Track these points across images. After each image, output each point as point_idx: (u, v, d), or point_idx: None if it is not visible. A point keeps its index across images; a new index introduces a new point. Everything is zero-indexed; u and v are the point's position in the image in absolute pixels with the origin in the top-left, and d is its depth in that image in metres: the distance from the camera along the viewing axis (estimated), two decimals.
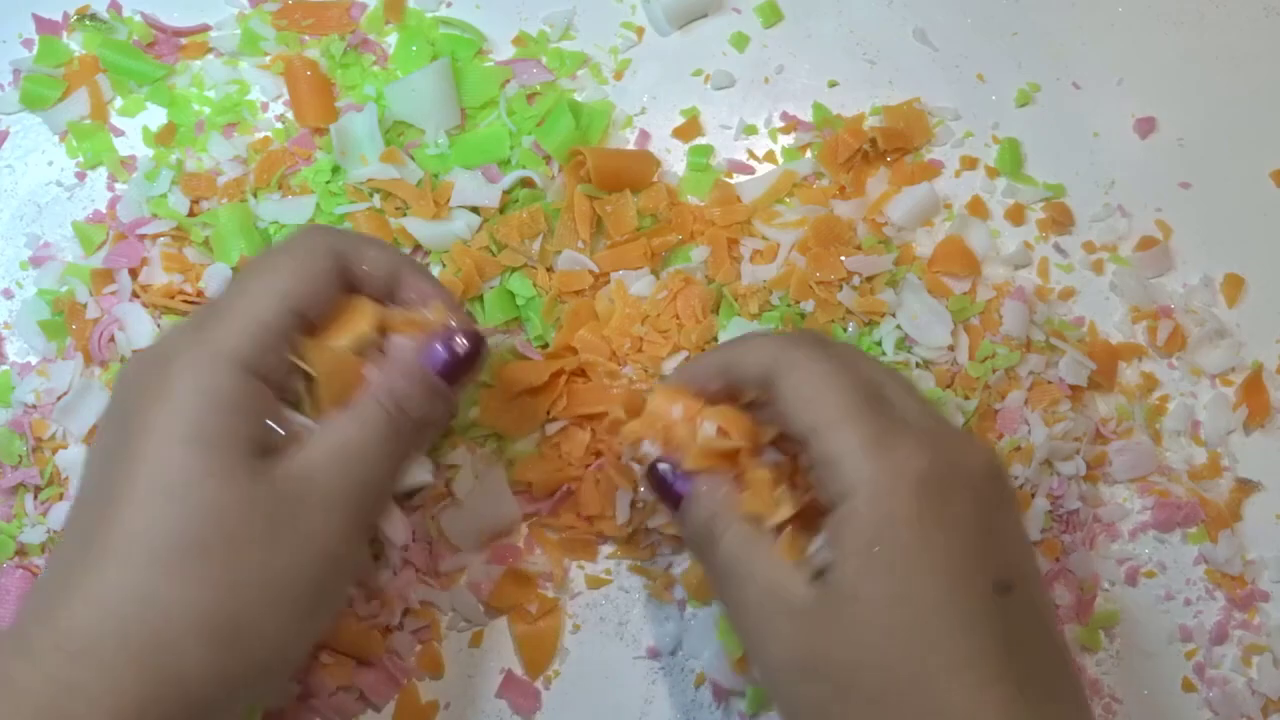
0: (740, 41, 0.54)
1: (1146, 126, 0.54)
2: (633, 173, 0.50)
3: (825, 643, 0.35)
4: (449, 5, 0.54)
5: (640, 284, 0.49)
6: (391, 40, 0.53)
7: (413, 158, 0.50)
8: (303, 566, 0.35)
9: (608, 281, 0.49)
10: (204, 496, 0.33)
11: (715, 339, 0.48)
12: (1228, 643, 0.48)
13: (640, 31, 0.54)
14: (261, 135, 0.51)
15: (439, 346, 0.38)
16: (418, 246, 0.49)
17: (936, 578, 0.35)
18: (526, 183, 0.50)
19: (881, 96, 0.54)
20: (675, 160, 0.52)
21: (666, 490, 0.40)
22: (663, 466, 0.40)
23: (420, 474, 0.44)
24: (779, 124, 0.53)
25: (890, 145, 0.52)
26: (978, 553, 0.35)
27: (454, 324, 0.39)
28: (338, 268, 0.38)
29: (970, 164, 0.53)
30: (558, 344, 0.48)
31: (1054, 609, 0.39)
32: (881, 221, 0.51)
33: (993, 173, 0.53)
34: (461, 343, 0.39)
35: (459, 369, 0.39)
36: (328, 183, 0.49)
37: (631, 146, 0.52)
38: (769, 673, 0.37)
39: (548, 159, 0.50)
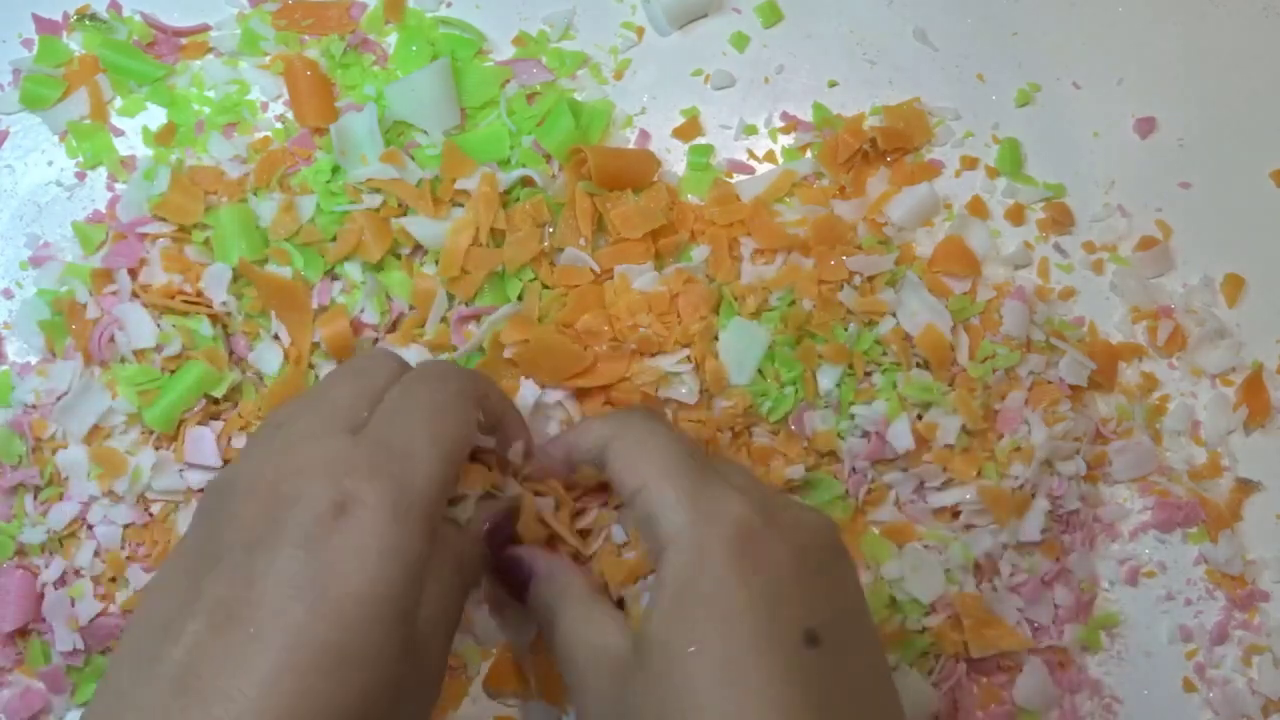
0: (740, 41, 0.54)
1: (1146, 126, 0.54)
2: (633, 172, 0.50)
3: (637, 695, 0.35)
4: (449, 5, 0.54)
5: (643, 279, 0.49)
6: (391, 40, 0.53)
7: (413, 158, 0.50)
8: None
9: (610, 278, 0.49)
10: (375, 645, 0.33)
11: (715, 338, 0.48)
12: (1228, 643, 0.48)
13: (640, 31, 0.54)
14: (261, 135, 0.51)
15: (497, 525, 0.41)
16: (418, 246, 0.49)
17: (739, 627, 0.35)
18: (527, 182, 0.50)
19: (881, 96, 0.54)
20: (675, 160, 0.52)
21: (516, 571, 0.42)
22: (514, 550, 0.42)
23: None
24: (779, 124, 0.53)
25: (890, 145, 0.52)
26: (787, 604, 0.35)
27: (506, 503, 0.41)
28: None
29: (970, 164, 0.53)
30: (559, 323, 0.48)
31: (885, 675, 0.38)
32: (881, 221, 0.51)
33: (993, 173, 0.53)
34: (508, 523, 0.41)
35: (502, 546, 0.42)
36: (328, 182, 0.49)
37: (631, 146, 0.52)
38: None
39: (548, 158, 0.50)
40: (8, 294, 0.50)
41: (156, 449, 0.46)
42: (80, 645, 0.45)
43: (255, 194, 0.49)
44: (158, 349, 0.47)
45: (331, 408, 0.37)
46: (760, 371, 0.48)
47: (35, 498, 0.46)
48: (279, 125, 0.51)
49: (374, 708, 0.33)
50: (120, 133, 0.52)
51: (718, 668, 0.34)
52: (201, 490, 0.46)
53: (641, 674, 0.35)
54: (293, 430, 0.36)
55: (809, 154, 0.52)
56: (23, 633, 0.45)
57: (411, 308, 0.48)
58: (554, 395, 0.47)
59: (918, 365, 0.48)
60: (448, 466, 0.37)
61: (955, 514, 0.48)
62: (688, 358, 0.47)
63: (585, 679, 0.37)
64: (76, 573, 0.45)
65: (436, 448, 0.36)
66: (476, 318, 0.48)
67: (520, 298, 0.49)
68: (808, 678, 0.34)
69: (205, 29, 0.53)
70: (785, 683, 0.34)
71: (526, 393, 0.47)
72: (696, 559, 0.36)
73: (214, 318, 0.47)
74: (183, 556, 0.36)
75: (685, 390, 0.47)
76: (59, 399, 0.46)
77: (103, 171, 0.51)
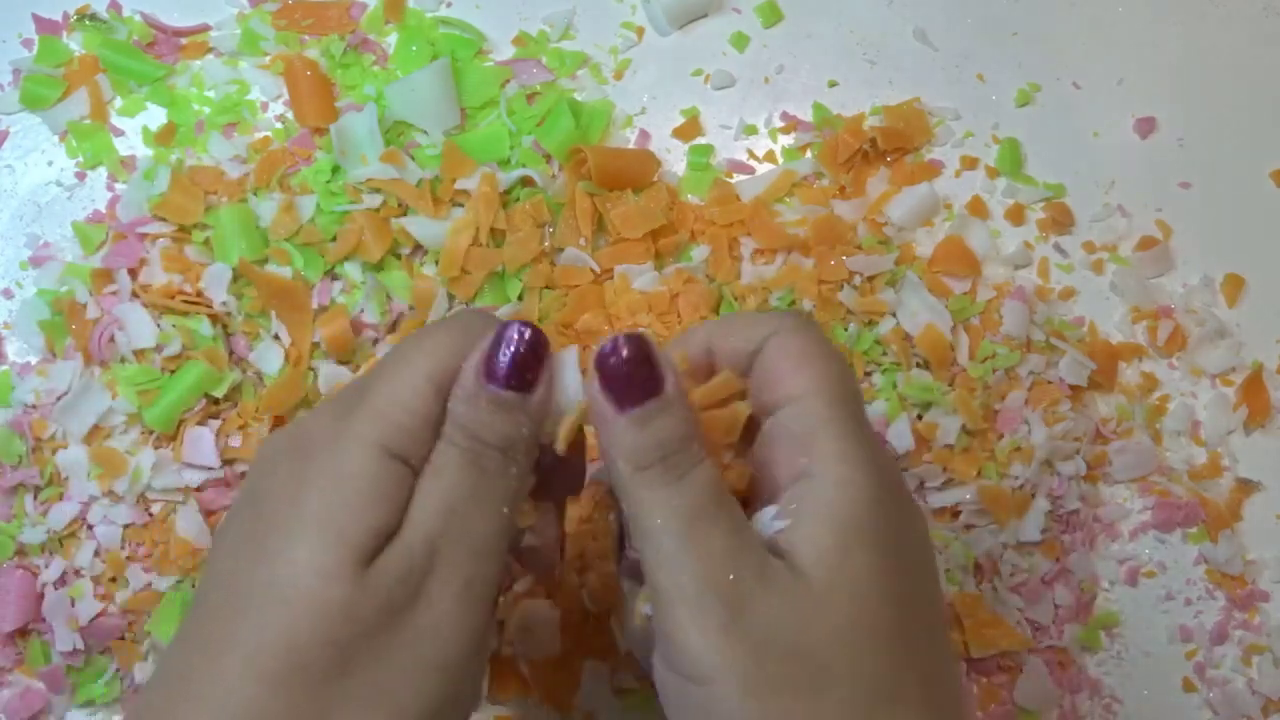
0: (740, 41, 0.54)
1: (1146, 126, 0.54)
2: (633, 172, 0.50)
3: (776, 627, 0.30)
4: (449, 5, 0.54)
5: (643, 279, 0.49)
6: (391, 40, 0.53)
7: (413, 158, 0.50)
8: (416, 678, 0.31)
9: (610, 278, 0.49)
10: (315, 605, 0.30)
11: None
12: (1228, 643, 0.48)
13: (640, 31, 0.54)
14: (261, 135, 0.51)
15: (491, 353, 0.33)
16: (418, 246, 0.49)
17: (893, 583, 0.31)
18: (527, 182, 0.50)
19: (881, 96, 0.54)
20: (675, 160, 0.52)
21: (627, 374, 0.32)
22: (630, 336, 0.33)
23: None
24: (779, 124, 0.53)
25: (890, 145, 0.52)
26: (924, 582, 0.33)
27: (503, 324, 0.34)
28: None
29: (970, 164, 0.53)
30: (558, 324, 0.48)
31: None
32: (881, 221, 0.51)
33: (993, 173, 0.53)
34: (512, 336, 0.33)
35: (520, 369, 0.33)
36: (328, 182, 0.49)
37: (631, 146, 0.52)
38: (693, 662, 0.31)
39: (548, 158, 0.50)
40: (8, 294, 0.50)
41: (156, 449, 0.46)
42: (80, 645, 0.45)
43: (255, 194, 0.49)
44: (158, 349, 0.47)
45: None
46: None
47: (35, 498, 0.46)
48: (279, 125, 0.51)
49: (312, 645, 0.30)
50: (120, 133, 0.52)
51: (879, 628, 0.31)
52: (199, 489, 0.46)
53: (778, 606, 0.30)
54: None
55: (809, 154, 0.52)
56: (23, 633, 0.45)
57: (411, 308, 0.48)
58: None
59: (918, 365, 0.48)
60: (402, 394, 0.33)
61: (955, 514, 0.48)
62: None
63: (698, 593, 0.31)
64: (76, 573, 0.45)
65: (388, 382, 0.33)
66: None
67: (520, 298, 0.49)
68: (928, 654, 0.32)
69: (205, 29, 0.53)
70: (917, 653, 0.31)
71: None
72: (855, 508, 0.31)
73: (214, 318, 0.47)
74: (230, 531, 0.34)
75: None
76: (59, 399, 0.46)
77: (103, 171, 0.51)
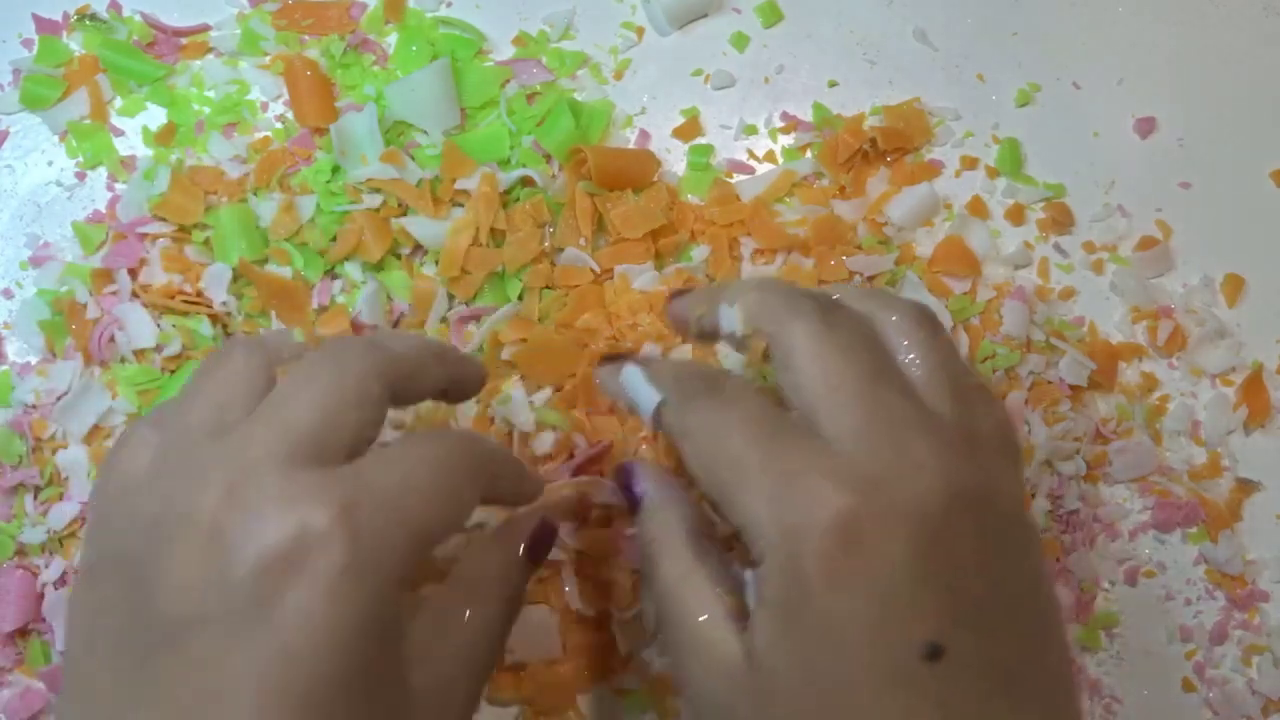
0: (740, 41, 0.54)
1: (1146, 126, 0.54)
2: (633, 172, 0.50)
3: (747, 711, 0.31)
4: (449, 5, 0.54)
5: (643, 279, 0.49)
6: (391, 40, 0.53)
7: (413, 158, 0.50)
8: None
9: (610, 278, 0.49)
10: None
11: None
12: (1228, 643, 0.48)
13: (640, 31, 0.54)
14: (261, 135, 0.51)
15: (537, 536, 0.38)
16: (418, 246, 0.49)
17: (845, 651, 0.30)
18: (527, 182, 0.50)
19: (881, 96, 0.54)
20: (675, 160, 0.52)
21: (628, 491, 0.38)
22: (629, 464, 0.39)
23: None
24: (779, 124, 0.53)
25: (890, 145, 0.52)
26: (899, 614, 0.30)
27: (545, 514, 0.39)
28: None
29: (970, 164, 0.53)
30: (558, 323, 0.48)
31: (1044, 666, 0.32)
32: (881, 221, 0.51)
33: (993, 173, 0.53)
34: (550, 530, 0.39)
35: (543, 552, 0.39)
36: (328, 182, 0.49)
37: (631, 146, 0.52)
38: (697, 716, 0.33)
39: (548, 158, 0.50)
40: (8, 294, 0.50)
41: None
42: None
43: (255, 194, 0.49)
44: (158, 349, 0.47)
45: (288, 416, 0.31)
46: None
47: (35, 498, 0.46)
48: (279, 125, 0.51)
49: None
50: (120, 133, 0.51)
51: (829, 703, 0.30)
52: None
53: (754, 694, 0.31)
54: (247, 444, 0.30)
55: (809, 154, 0.52)
56: (23, 633, 0.45)
57: (411, 307, 0.48)
58: (541, 396, 0.47)
59: None
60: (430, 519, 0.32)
61: None
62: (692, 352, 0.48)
63: (689, 666, 0.33)
64: (77, 573, 0.45)
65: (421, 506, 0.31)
66: (476, 318, 0.48)
67: (520, 298, 0.49)
68: (929, 698, 0.30)
69: (205, 29, 0.53)
70: (913, 689, 0.29)
71: (516, 398, 0.47)
72: (793, 575, 0.30)
73: (214, 318, 0.47)
74: (111, 617, 0.30)
75: None
76: (59, 399, 0.46)
77: (103, 171, 0.51)
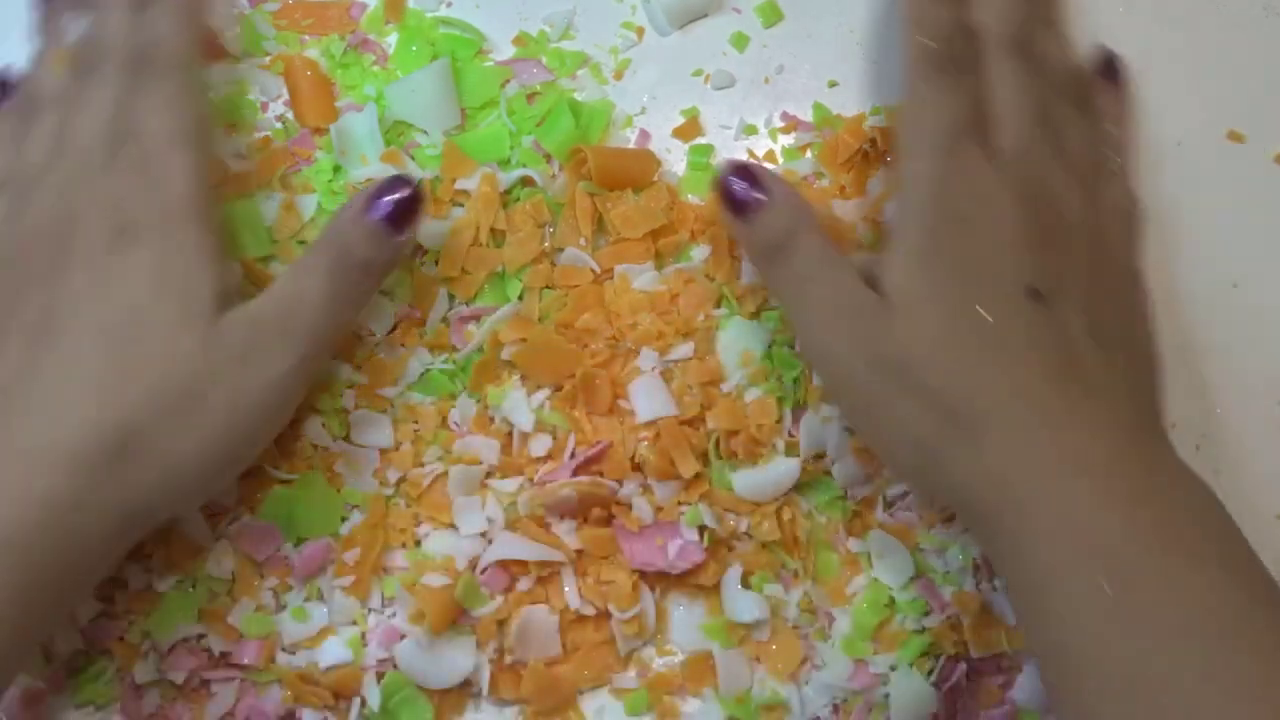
0: (740, 41, 0.54)
1: (1146, 127, 0.54)
2: (634, 172, 0.50)
3: (880, 344, 0.39)
4: (449, 5, 0.54)
5: (644, 278, 0.49)
6: (391, 40, 0.53)
7: (413, 157, 0.50)
8: (260, 400, 0.41)
9: (610, 278, 0.49)
10: (169, 342, 0.39)
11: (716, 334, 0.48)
12: None
13: (640, 31, 0.54)
14: (262, 135, 0.51)
15: (381, 195, 0.42)
16: (418, 246, 0.49)
17: (969, 283, 0.39)
18: (527, 182, 0.50)
19: (882, 96, 0.54)
20: (675, 160, 0.52)
21: (739, 195, 0.43)
22: (744, 164, 0.43)
23: None
24: (779, 124, 0.53)
25: (890, 145, 0.52)
26: (1010, 261, 0.40)
27: (398, 175, 0.43)
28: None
29: None
30: (558, 324, 0.48)
31: (1133, 337, 0.43)
32: (882, 221, 0.51)
33: None
34: (404, 190, 0.42)
35: (402, 215, 0.42)
36: (329, 182, 0.49)
37: (631, 146, 0.52)
38: (836, 374, 0.41)
39: (548, 158, 0.50)
40: None
41: None
42: (80, 645, 0.45)
43: (256, 193, 0.49)
44: None
45: (70, 139, 0.43)
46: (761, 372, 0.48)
47: None
48: (279, 125, 0.51)
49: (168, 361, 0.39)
50: None
51: (949, 318, 0.39)
52: None
53: (888, 323, 0.39)
54: (58, 167, 0.42)
55: (809, 154, 0.52)
56: None
57: (411, 307, 0.48)
58: (540, 397, 0.47)
59: None
60: (200, 151, 0.43)
61: (952, 516, 0.48)
62: (693, 352, 0.48)
63: (826, 323, 0.41)
64: None
65: (189, 149, 0.42)
66: (477, 318, 0.48)
67: (520, 298, 0.49)
68: (1028, 324, 0.39)
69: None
70: (1007, 330, 0.39)
71: (515, 398, 0.47)
72: (931, 220, 0.40)
73: None
74: None
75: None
76: None
77: None
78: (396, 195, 0.42)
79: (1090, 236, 0.42)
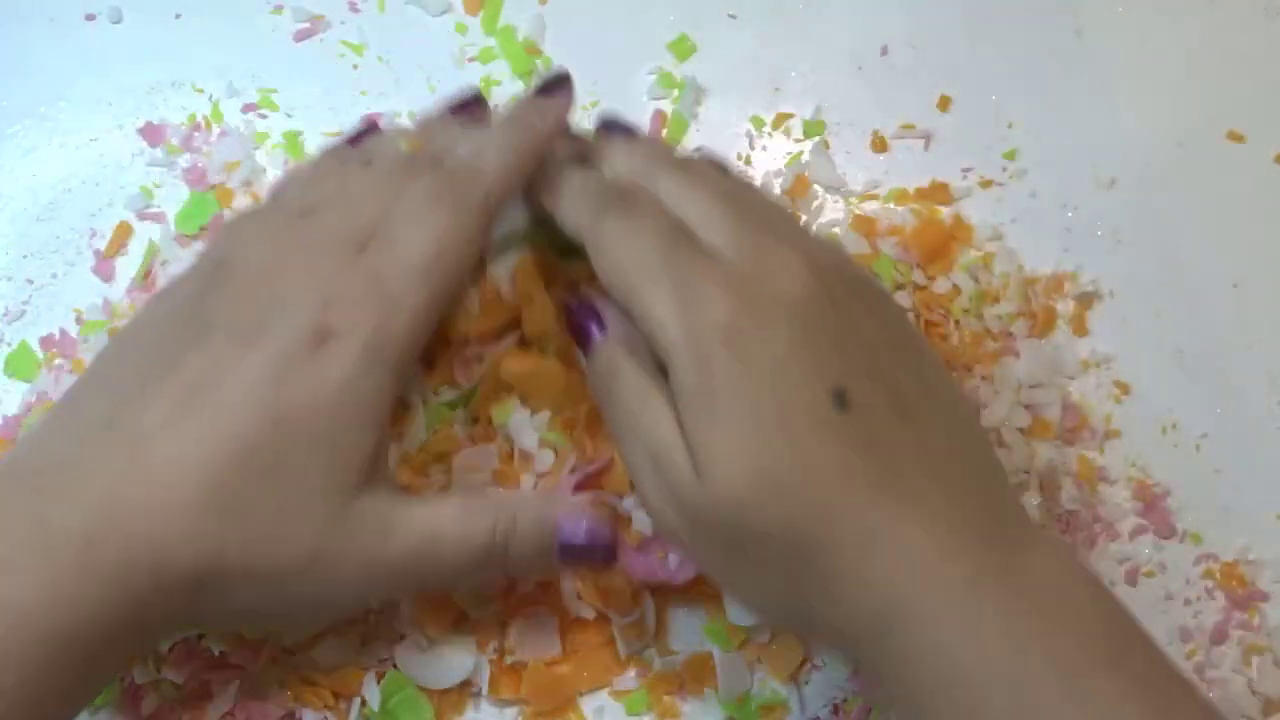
0: (740, 42, 0.54)
1: (1146, 127, 0.54)
2: None
3: (695, 508, 0.35)
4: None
5: None
6: None
7: None
8: (340, 588, 0.38)
9: None
10: (303, 495, 0.36)
11: None
12: (1228, 643, 0.48)
13: None
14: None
15: (577, 530, 0.40)
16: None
17: (761, 417, 0.34)
18: None
19: (881, 96, 0.54)
20: None
21: (581, 329, 0.40)
22: (580, 302, 0.40)
23: None
24: (779, 124, 0.53)
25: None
26: (804, 373, 0.34)
27: (596, 518, 0.41)
28: None
29: (985, 185, 0.53)
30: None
31: (958, 426, 0.36)
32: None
33: (987, 184, 0.53)
34: (600, 537, 0.41)
35: (580, 557, 0.41)
36: None
37: None
38: (665, 532, 0.38)
39: None
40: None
41: None
42: None
43: None
44: None
45: (344, 214, 0.39)
46: None
47: None
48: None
49: (292, 514, 0.36)
50: None
51: (756, 464, 0.34)
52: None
53: (692, 487, 0.35)
54: (310, 228, 0.39)
55: (808, 154, 0.52)
56: None
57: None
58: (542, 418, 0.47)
59: None
60: (433, 310, 0.39)
61: None
62: None
63: (645, 481, 0.37)
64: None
65: (430, 286, 0.38)
66: (480, 358, 0.46)
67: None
68: (844, 438, 0.34)
69: None
70: (818, 445, 0.33)
71: (518, 419, 0.46)
72: (702, 367, 0.35)
73: None
74: (174, 313, 0.38)
75: None
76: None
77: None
78: (589, 543, 0.40)
79: (862, 308, 0.37)
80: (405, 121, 0.51)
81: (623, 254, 0.37)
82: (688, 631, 0.47)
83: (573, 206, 0.40)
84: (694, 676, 0.46)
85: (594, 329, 0.39)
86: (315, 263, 0.38)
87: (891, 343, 0.36)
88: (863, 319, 0.36)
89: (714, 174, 0.41)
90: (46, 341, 0.49)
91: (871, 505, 0.33)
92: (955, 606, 0.32)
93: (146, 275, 0.50)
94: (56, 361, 0.48)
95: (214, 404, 0.35)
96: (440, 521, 0.38)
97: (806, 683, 0.46)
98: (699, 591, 0.46)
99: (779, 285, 0.35)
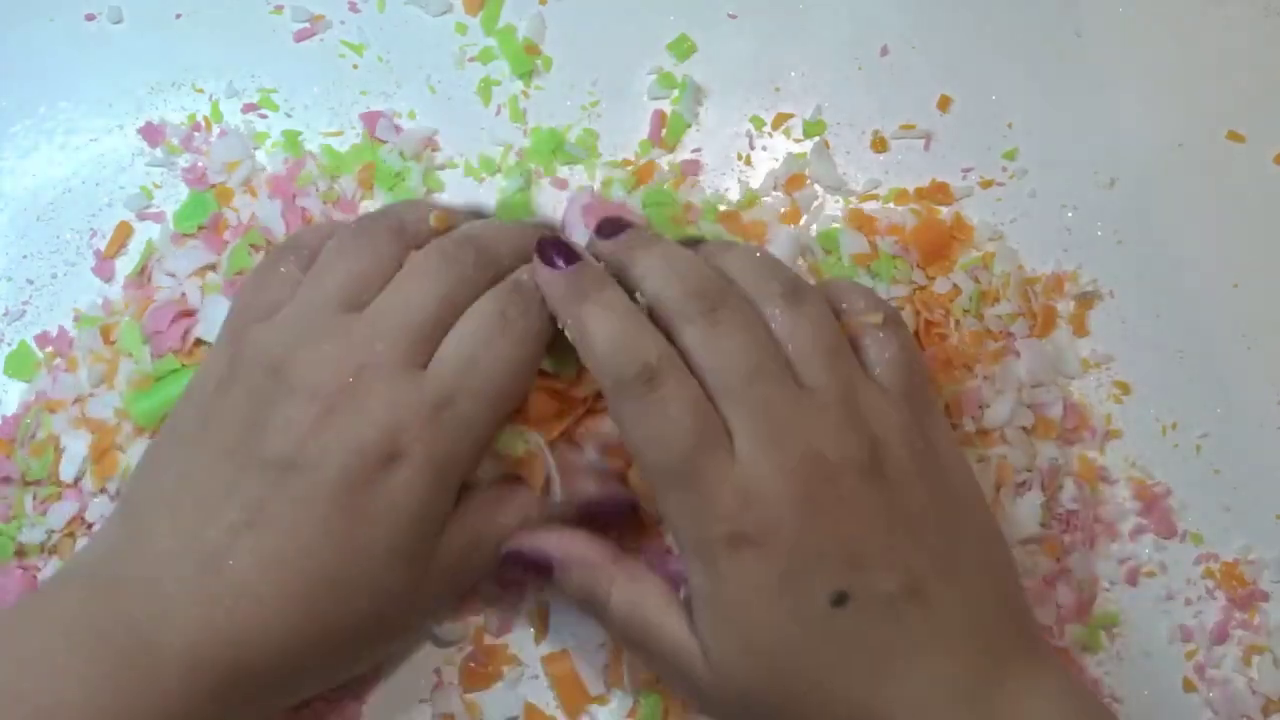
0: (740, 42, 0.54)
1: (1146, 127, 0.54)
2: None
3: (710, 693, 0.37)
4: None
5: None
6: None
7: None
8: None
9: None
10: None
11: None
12: (1228, 643, 0.48)
13: None
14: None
15: (599, 500, 0.42)
16: None
17: (764, 622, 0.36)
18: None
19: (882, 97, 0.54)
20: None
21: (533, 567, 0.40)
22: (511, 548, 0.40)
23: None
24: (779, 124, 0.53)
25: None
26: (802, 579, 0.35)
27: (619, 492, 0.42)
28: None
29: (986, 184, 0.53)
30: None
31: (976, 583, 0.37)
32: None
33: (987, 183, 0.53)
34: (620, 503, 0.42)
35: (600, 516, 0.42)
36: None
37: None
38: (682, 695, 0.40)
39: None
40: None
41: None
42: None
43: None
44: None
45: (408, 320, 0.38)
46: None
47: (34, 497, 0.46)
48: None
49: (374, 627, 0.38)
50: None
51: (753, 656, 0.36)
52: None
53: (717, 689, 0.37)
54: (367, 332, 0.38)
55: (809, 154, 0.52)
56: None
57: None
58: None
59: None
60: (497, 425, 0.39)
61: None
62: None
63: (667, 675, 0.40)
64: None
65: (496, 410, 0.39)
66: None
67: None
68: (849, 636, 0.35)
69: None
70: (818, 644, 0.35)
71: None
72: (709, 573, 0.36)
73: None
74: (229, 426, 0.37)
75: None
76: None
77: None
78: (609, 508, 0.42)
79: (913, 472, 0.38)
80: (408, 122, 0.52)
81: (647, 436, 0.37)
82: None
83: (605, 360, 0.38)
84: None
85: (544, 563, 0.40)
86: (382, 385, 0.37)
87: (932, 507, 0.37)
88: (909, 489, 0.37)
89: (742, 330, 0.38)
90: (42, 339, 0.49)
91: (868, 694, 0.35)
92: None
93: (143, 271, 0.50)
94: (55, 361, 0.48)
95: (281, 533, 0.36)
96: (470, 535, 0.40)
97: None
98: None
99: (768, 493, 0.36)
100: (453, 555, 0.39)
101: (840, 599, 0.35)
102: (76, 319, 0.49)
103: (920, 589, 0.36)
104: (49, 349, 0.49)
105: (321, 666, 0.38)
